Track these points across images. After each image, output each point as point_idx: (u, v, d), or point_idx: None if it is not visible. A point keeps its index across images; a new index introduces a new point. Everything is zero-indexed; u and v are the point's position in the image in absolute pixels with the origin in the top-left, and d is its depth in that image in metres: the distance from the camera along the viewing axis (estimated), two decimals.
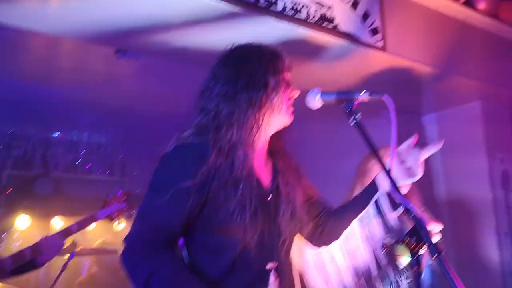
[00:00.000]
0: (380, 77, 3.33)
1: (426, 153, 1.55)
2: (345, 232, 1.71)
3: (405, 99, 3.97)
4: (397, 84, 3.52)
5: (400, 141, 4.27)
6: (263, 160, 1.63)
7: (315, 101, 1.61)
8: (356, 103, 1.52)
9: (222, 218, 1.42)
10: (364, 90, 1.51)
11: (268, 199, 1.55)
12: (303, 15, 2.62)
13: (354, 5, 2.87)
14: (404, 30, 3.12)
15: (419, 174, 1.52)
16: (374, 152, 1.45)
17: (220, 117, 1.50)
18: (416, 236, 1.26)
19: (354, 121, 1.50)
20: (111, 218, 2.69)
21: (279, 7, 2.54)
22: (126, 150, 5.60)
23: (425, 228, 1.24)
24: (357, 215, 1.67)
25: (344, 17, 2.80)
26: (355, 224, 1.71)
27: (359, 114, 1.50)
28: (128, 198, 2.78)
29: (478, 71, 3.62)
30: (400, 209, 1.30)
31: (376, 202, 1.66)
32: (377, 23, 2.95)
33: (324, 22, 2.71)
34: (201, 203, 1.42)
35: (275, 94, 1.56)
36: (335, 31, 2.76)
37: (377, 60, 3.06)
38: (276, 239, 1.52)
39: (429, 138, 4.28)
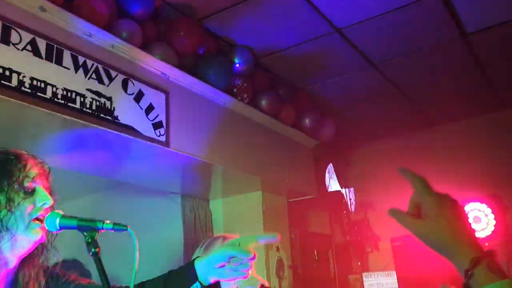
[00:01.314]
0: (168, 168, 3.29)
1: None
2: None
3: (194, 186, 3.99)
4: (184, 172, 3.51)
5: (189, 225, 4.10)
6: None
7: (55, 226, 1.38)
8: (98, 233, 1.36)
9: None
10: (108, 221, 1.36)
11: None
12: (76, 104, 2.42)
13: (138, 97, 2.79)
14: (187, 125, 3.14)
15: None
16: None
17: None
18: None
19: (92, 254, 1.32)
20: None
21: (48, 93, 2.30)
22: None
23: None
24: None
25: (125, 109, 2.68)
26: None
27: (99, 248, 1.33)
28: None
29: (259, 165, 3.84)
30: None
31: None
32: (161, 117, 2.91)
33: (101, 113, 2.54)
34: None
35: (8, 212, 1.29)
36: (114, 122, 2.61)
37: (160, 154, 2.99)
38: None
39: (216, 219, 4.36)
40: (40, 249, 1.40)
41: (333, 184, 5.22)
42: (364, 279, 5.17)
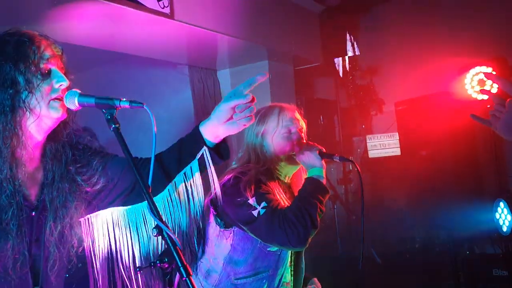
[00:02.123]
0: (173, 40, 3.29)
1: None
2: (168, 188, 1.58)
3: (200, 57, 4.02)
4: (189, 45, 3.51)
5: (199, 95, 4.26)
6: (33, 167, 1.45)
7: (74, 104, 1.47)
8: (116, 110, 1.45)
9: None
10: (124, 98, 1.44)
11: (33, 214, 1.41)
12: None
13: None
14: None
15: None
16: (129, 159, 1.38)
17: None
18: (168, 256, 1.29)
19: (113, 129, 1.42)
20: None
21: None
22: None
23: (177, 249, 1.26)
24: (181, 167, 1.55)
25: None
26: (178, 179, 1.59)
27: (119, 124, 1.43)
28: None
29: (266, 34, 3.82)
30: None
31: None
32: None
33: None
34: None
35: (29, 93, 1.36)
36: None
37: (165, 26, 2.98)
38: (43, 263, 1.41)
39: (223, 90, 4.46)
40: (62, 125, 1.50)
41: (339, 50, 5.19)
42: (368, 140, 5.43)
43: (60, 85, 1.42)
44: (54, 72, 1.42)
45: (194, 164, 1.54)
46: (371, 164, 5.35)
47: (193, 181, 1.57)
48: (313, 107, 5.01)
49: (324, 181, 1.87)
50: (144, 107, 1.43)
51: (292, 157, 1.95)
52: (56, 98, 1.42)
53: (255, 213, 1.76)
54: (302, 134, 2.03)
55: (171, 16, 2.88)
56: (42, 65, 1.40)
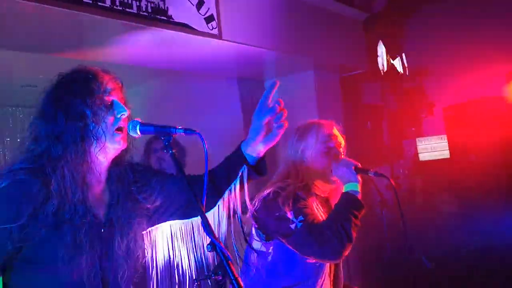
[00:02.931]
0: (222, 58, 3.47)
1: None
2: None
3: (248, 70, 4.18)
4: (237, 61, 3.69)
5: (247, 106, 4.44)
6: (100, 189, 1.65)
7: (136, 132, 1.65)
8: (173, 137, 1.62)
9: (46, 258, 1.47)
10: (180, 126, 1.60)
11: (102, 230, 1.60)
12: (133, 9, 2.59)
13: None
14: (238, 15, 3.23)
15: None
16: (184, 181, 1.55)
17: (48, 156, 1.50)
18: (221, 270, 1.44)
19: (171, 154, 1.60)
20: None
21: (107, 2, 2.47)
22: None
23: (229, 263, 1.41)
24: (229, 184, 1.70)
25: (177, 7, 2.81)
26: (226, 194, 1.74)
27: (175, 149, 1.60)
28: None
29: (310, 46, 3.93)
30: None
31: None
32: (212, 11, 3.02)
33: (157, 14, 2.70)
34: (21, 245, 1.44)
35: (96, 124, 1.54)
36: (169, 22, 2.77)
37: (214, 46, 3.16)
38: (112, 274, 1.60)
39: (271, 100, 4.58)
40: (124, 151, 1.69)
41: (385, 54, 5.20)
42: (418, 143, 5.40)
43: (122, 115, 1.60)
44: (115, 104, 1.60)
45: (237, 181, 1.70)
46: (421, 167, 5.31)
47: (235, 197, 1.72)
48: (360, 113, 5.06)
49: (359, 195, 1.95)
50: (198, 134, 1.60)
51: (330, 173, 2.03)
52: (118, 128, 1.60)
53: (292, 226, 1.88)
54: (341, 150, 2.12)
55: (219, 36, 3.06)
56: (105, 98, 1.58)
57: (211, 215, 1.76)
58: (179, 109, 4.58)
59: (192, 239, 1.77)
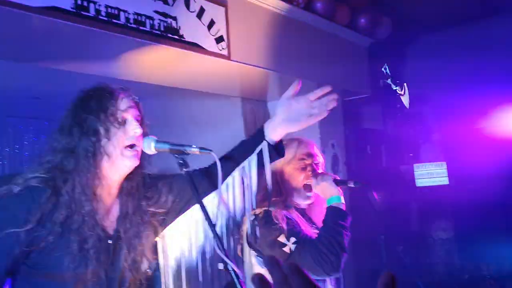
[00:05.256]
0: (229, 77, 3.53)
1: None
2: (226, 181, 1.80)
3: (253, 90, 4.23)
4: (242, 81, 3.74)
5: (250, 125, 4.45)
6: (110, 202, 1.69)
7: (150, 149, 1.69)
8: (187, 155, 1.65)
9: (52, 265, 1.49)
10: (194, 145, 1.64)
11: (109, 242, 1.63)
12: (147, 27, 2.64)
13: (200, 14, 2.95)
14: (246, 37, 3.30)
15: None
16: (199, 201, 1.59)
17: (61, 169, 1.55)
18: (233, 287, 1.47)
19: (186, 172, 1.63)
20: None
21: (122, 19, 2.52)
22: None
23: (241, 281, 1.44)
24: (240, 162, 1.79)
25: (189, 27, 2.87)
26: (236, 173, 1.81)
27: (190, 168, 1.64)
28: None
29: (314, 70, 3.99)
30: None
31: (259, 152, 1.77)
32: (222, 32, 3.08)
33: (169, 33, 2.75)
34: (28, 250, 1.47)
35: (108, 140, 1.60)
36: (180, 41, 2.83)
37: (222, 66, 3.21)
38: (118, 286, 1.62)
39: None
40: (138, 167, 1.73)
41: (387, 80, 5.28)
42: (415, 169, 5.44)
43: (134, 133, 1.65)
44: (129, 122, 1.66)
45: (253, 158, 1.77)
46: (418, 193, 5.35)
47: (250, 175, 1.80)
48: (361, 137, 5.11)
49: (343, 206, 2.02)
50: (212, 153, 1.65)
51: (306, 188, 2.13)
52: (129, 145, 1.65)
53: (286, 249, 1.92)
54: (319, 167, 2.20)
55: (228, 57, 3.12)
56: (119, 115, 1.63)
57: (224, 187, 1.82)
58: (181, 126, 4.62)
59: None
